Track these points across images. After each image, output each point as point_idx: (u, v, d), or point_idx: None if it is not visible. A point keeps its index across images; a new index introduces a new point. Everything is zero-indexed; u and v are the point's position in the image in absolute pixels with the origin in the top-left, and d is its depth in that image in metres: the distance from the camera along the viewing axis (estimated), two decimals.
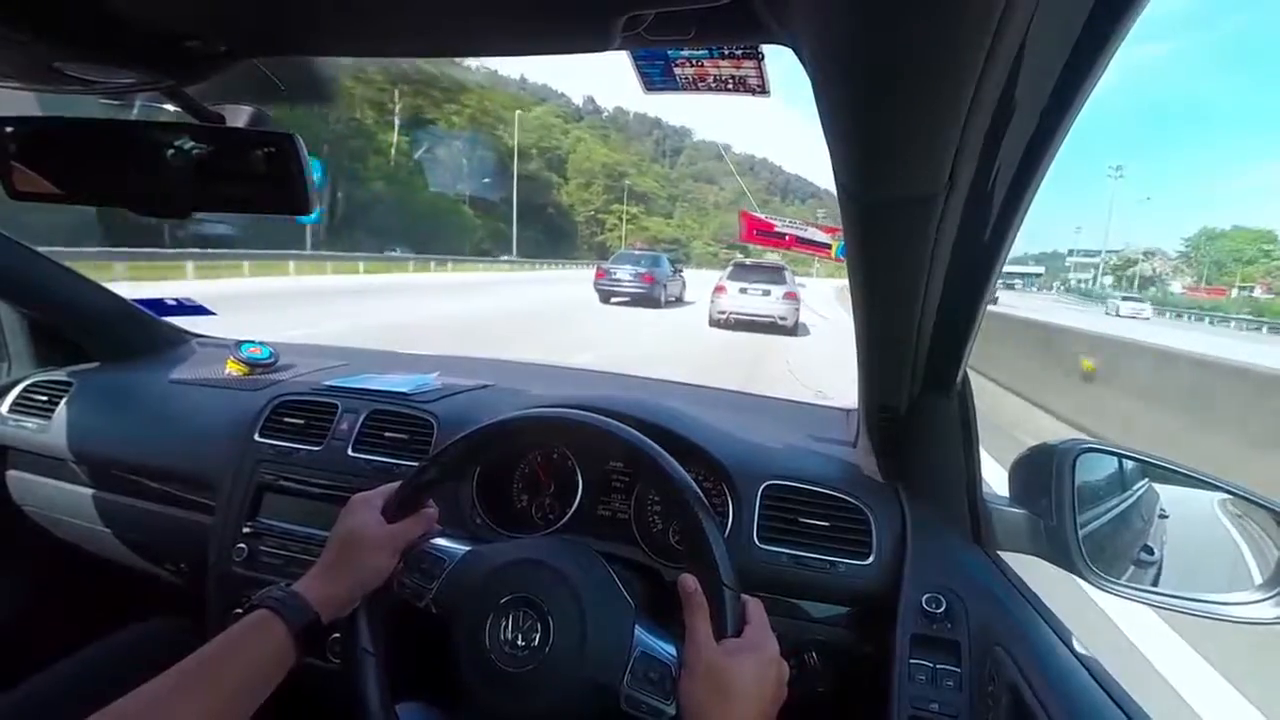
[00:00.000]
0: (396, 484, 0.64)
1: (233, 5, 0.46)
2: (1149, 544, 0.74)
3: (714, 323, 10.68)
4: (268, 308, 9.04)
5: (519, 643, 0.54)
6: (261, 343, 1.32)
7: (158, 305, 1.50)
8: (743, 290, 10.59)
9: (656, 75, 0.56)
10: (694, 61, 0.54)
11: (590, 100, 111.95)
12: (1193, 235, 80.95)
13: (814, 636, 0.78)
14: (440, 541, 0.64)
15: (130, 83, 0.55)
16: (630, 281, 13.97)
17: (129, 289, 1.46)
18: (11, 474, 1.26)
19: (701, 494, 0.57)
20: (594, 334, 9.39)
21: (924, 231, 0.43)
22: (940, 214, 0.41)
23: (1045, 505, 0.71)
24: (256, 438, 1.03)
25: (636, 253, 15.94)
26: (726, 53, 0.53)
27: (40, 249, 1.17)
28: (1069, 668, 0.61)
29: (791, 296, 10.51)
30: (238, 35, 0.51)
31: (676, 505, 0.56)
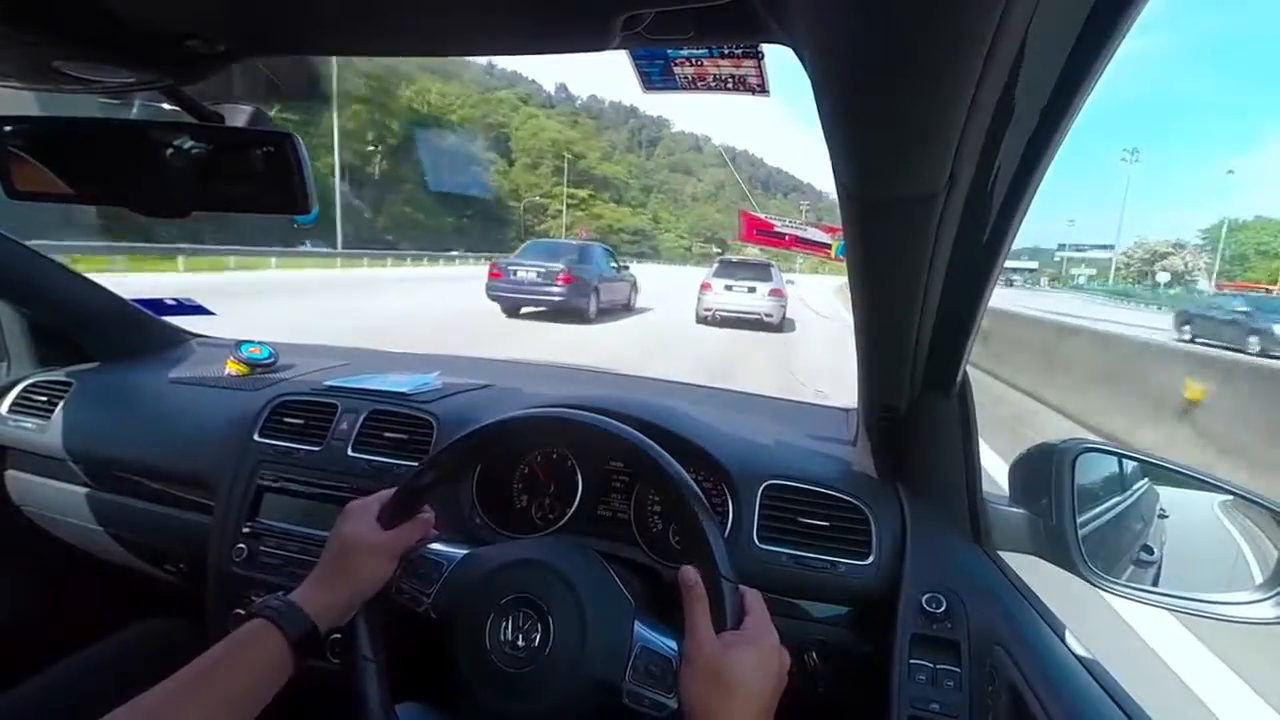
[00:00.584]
0: (393, 489, 0.64)
1: (232, 5, 0.46)
2: (1149, 544, 0.74)
3: (700, 320, 10.60)
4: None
5: (519, 643, 0.54)
6: (261, 343, 1.32)
7: (157, 305, 1.50)
8: (729, 287, 10.49)
9: (656, 74, 0.56)
10: (693, 61, 0.54)
11: (563, 88, 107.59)
12: (1210, 226, 72.74)
13: (814, 636, 0.78)
14: (437, 546, 0.64)
15: (130, 82, 0.55)
16: (536, 285, 9.59)
17: None
18: (11, 474, 1.26)
19: (701, 494, 0.57)
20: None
21: (924, 231, 0.43)
22: (940, 214, 0.41)
23: (1045, 505, 0.71)
24: (256, 438, 1.03)
25: (555, 243, 11.88)
26: (726, 52, 0.53)
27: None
28: (1069, 668, 0.61)
29: (778, 293, 10.43)
30: (237, 35, 0.51)
31: (676, 505, 0.56)
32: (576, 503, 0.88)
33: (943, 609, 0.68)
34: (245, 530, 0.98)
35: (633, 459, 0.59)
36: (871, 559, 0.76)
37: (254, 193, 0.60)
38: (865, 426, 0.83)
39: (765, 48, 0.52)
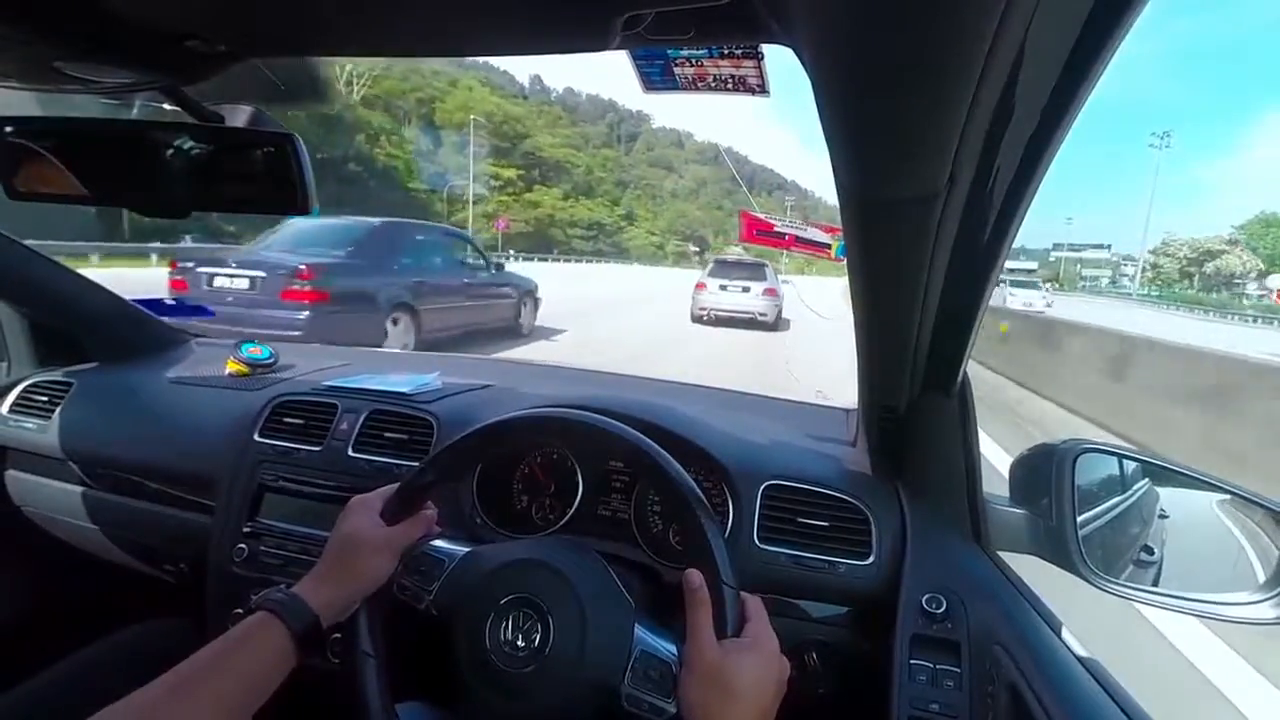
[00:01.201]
0: (395, 486, 0.64)
1: (232, 5, 0.46)
2: (1149, 544, 0.74)
3: (695, 319, 10.61)
4: None
5: (519, 643, 0.53)
6: (261, 343, 1.32)
7: (157, 305, 1.50)
8: (723, 287, 10.54)
9: (656, 75, 0.56)
10: (694, 61, 0.54)
11: (537, 79, 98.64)
12: (1246, 222, 65.28)
13: (814, 637, 0.78)
14: (439, 543, 0.64)
15: (130, 82, 0.55)
16: (247, 305, 4.69)
17: None
18: (11, 474, 1.26)
19: (701, 494, 0.57)
20: None
21: (924, 231, 0.43)
22: (940, 214, 0.41)
23: (1045, 505, 0.71)
24: (256, 438, 1.03)
25: (317, 223, 5.82)
26: (726, 52, 0.53)
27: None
28: (1069, 667, 0.61)
29: (771, 293, 10.44)
30: (237, 35, 0.51)
31: (676, 505, 0.56)
32: (577, 503, 0.88)
33: (943, 609, 0.68)
34: (246, 530, 0.98)
35: (633, 459, 0.59)
36: (871, 559, 0.76)
37: (254, 193, 0.60)
38: (865, 426, 0.83)
39: (765, 48, 0.52)
